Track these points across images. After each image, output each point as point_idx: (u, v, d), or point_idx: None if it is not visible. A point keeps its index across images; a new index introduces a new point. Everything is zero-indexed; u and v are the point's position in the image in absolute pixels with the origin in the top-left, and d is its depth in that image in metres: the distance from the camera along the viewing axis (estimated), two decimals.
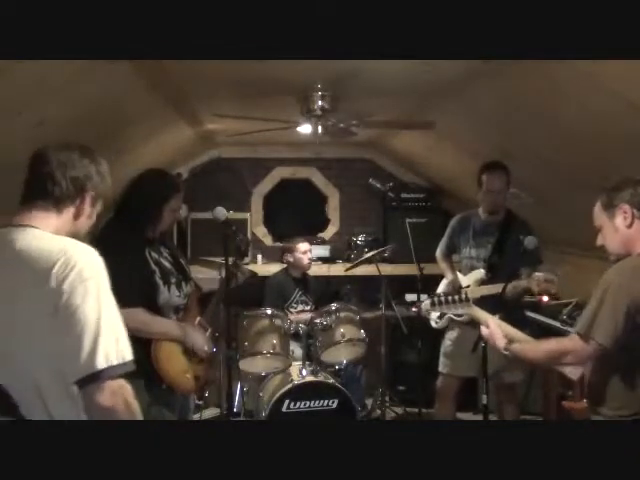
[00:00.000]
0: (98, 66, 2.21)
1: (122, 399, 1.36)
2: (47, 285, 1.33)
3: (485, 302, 3.20)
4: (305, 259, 4.52)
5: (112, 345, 1.35)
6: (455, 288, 3.58)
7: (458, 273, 3.65)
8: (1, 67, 1.83)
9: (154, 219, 2.53)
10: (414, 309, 2.70)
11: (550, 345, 2.13)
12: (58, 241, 1.42)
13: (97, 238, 2.59)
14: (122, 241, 2.45)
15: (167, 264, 2.58)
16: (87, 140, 3.04)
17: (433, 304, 2.51)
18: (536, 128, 3.04)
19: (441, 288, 3.77)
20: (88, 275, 1.35)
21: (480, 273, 3.42)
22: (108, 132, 3.18)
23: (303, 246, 4.53)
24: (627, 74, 2.06)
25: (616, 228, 1.97)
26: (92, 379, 1.32)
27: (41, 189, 1.51)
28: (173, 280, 2.56)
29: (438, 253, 3.82)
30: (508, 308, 3.10)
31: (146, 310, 2.40)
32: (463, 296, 2.46)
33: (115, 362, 1.34)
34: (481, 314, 2.47)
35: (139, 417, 1.42)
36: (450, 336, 3.58)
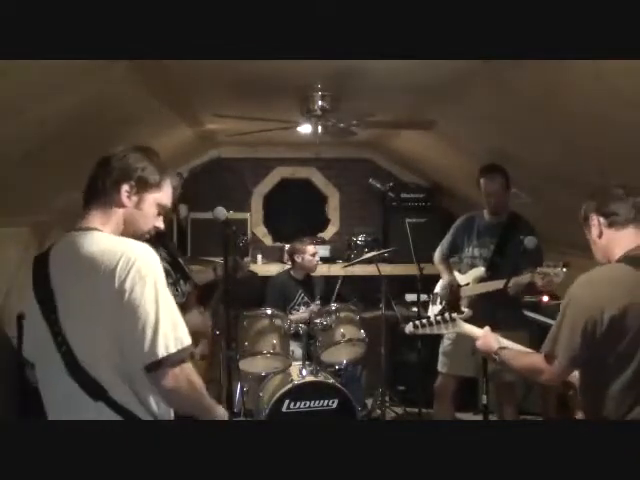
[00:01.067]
0: (98, 66, 2.21)
1: (185, 380, 1.49)
2: (112, 285, 1.44)
3: (486, 300, 3.21)
4: (314, 261, 4.53)
5: (170, 334, 1.47)
6: (453, 288, 3.59)
7: (457, 273, 3.66)
8: (1, 67, 1.83)
9: None
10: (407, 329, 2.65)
11: (529, 360, 2.06)
12: (117, 242, 1.54)
13: None
14: None
15: (164, 263, 2.58)
16: (87, 140, 3.06)
17: (416, 327, 2.46)
18: (536, 128, 3.04)
19: (438, 289, 3.78)
20: (145, 272, 1.47)
21: (480, 271, 3.43)
22: (108, 132, 3.18)
23: (312, 248, 4.54)
24: (627, 74, 2.06)
25: (593, 240, 1.96)
26: (155, 366, 1.45)
27: (91, 192, 1.62)
28: (170, 280, 2.56)
29: (437, 254, 3.83)
30: (508, 305, 3.11)
31: None
32: (447, 316, 2.40)
33: (173, 350, 1.46)
34: (471, 329, 2.41)
35: (204, 393, 1.57)
36: (449, 336, 3.59)
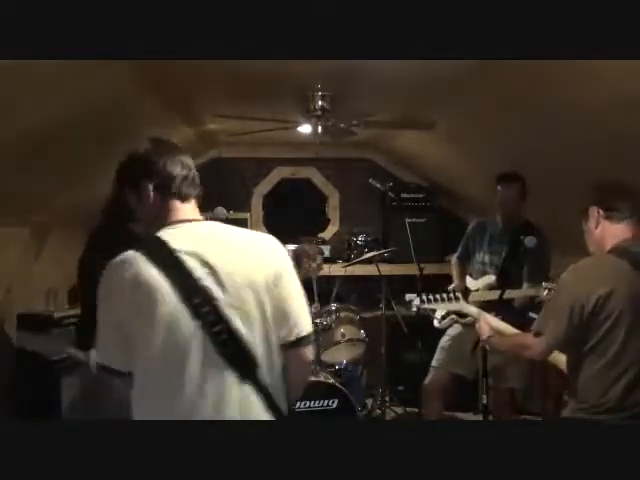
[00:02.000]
0: (98, 66, 2.21)
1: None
2: (268, 266, 1.55)
3: (493, 306, 3.20)
4: (319, 269, 4.50)
5: (309, 315, 1.62)
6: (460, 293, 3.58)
7: (469, 278, 3.64)
8: (1, 67, 1.83)
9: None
10: (414, 308, 2.90)
11: (515, 338, 2.25)
12: (255, 232, 1.66)
13: (91, 236, 2.60)
14: (116, 240, 2.44)
15: None
16: (87, 140, 3.06)
17: (422, 301, 2.66)
18: (536, 128, 3.04)
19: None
20: (284, 256, 1.61)
21: (490, 278, 3.42)
22: (108, 132, 3.18)
23: (320, 257, 4.50)
24: (627, 74, 2.06)
25: (589, 229, 2.09)
26: (303, 341, 1.58)
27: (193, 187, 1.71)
28: None
29: (454, 258, 3.80)
30: (515, 311, 3.13)
31: None
32: (452, 294, 2.58)
33: (311, 329, 1.62)
34: (471, 309, 2.59)
35: None
36: (451, 332, 3.59)
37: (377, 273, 4.39)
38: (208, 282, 1.47)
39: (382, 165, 5.78)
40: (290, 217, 5.84)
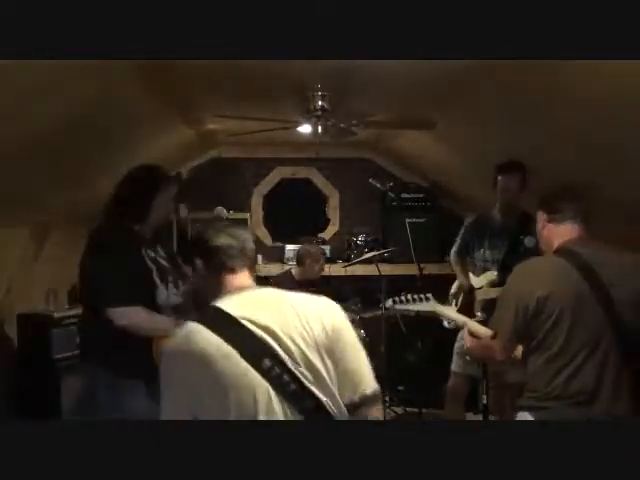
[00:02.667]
0: (98, 66, 2.21)
1: None
2: (326, 326, 1.55)
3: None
4: (321, 271, 4.48)
5: (372, 372, 1.61)
6: (465, 291, 3.58)
7: (471, 275, 3.64)
8: (1, 67, 1.83)
9: (141, 215, 2.51)
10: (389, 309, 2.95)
11: (482, 344, 2.31)
12: (304, 294, 1.65)
13: (91, 236, 2.60)
14: (117, 240, 2.45)
15: (164, 262, 2.58)
16: (87, 140, 3.06)
17: (394, 302, 2.69)
18: (536, 128, 3.04)
19: (453, 290, 3.77)
20: (341, 312, 1.62)
21: (492, 275, 3.41)
22: (108, 132, 3.18)
23: (323, 258, 4.50)
24: (627, 74, 2.06)
25: (538, 230, 2.26)
26: (370, 400, 1.57)
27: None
28: (171, 279, 2.56)
29: (452, 255, 3.79)
30: None
31: (145, 308, 2.40)
32: (422, 295, 2.60)
33: (377, 385, 1.60)
34: (446, 312, 2.65)
35: None
36: (463, 335, 3.59)
37: (377, 273, 4.39)
38: (273, 345, 1.47)
39: (382, 165, 5.78)
40: (290, 217, 5.83)
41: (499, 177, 3.36)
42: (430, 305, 2.61)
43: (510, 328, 2.08)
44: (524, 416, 2.10)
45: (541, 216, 2.22)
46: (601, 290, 1.97)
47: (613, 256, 2.07)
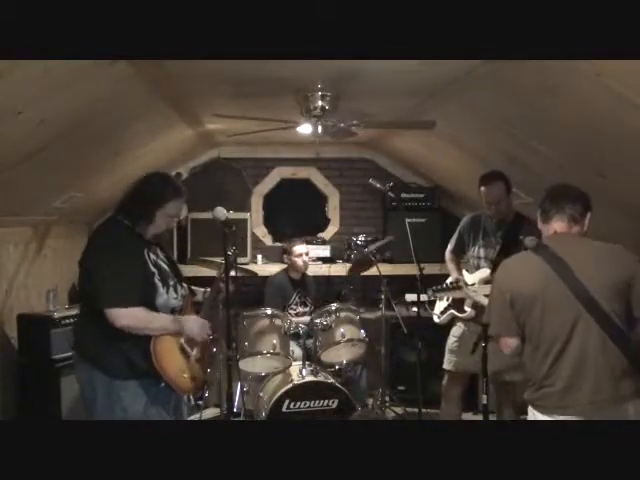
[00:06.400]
0: (98, 66, 2.21)
1: None
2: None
3: None
4: (300, 261, 4.53)
5: None
6: (458, 287, 3.59)
7: (465, 272, 3.65)
8: (1, 67, 1.83)
9: (146, 220, 2.51)
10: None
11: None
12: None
13: (95, 233, 2.60)
14: (121, 240, 2.45)
15: (165, 266, 2.59)
16: (87, 140, 3.06)
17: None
18: (536, 128, 3.04)
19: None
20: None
21: (485, 272, 3.43)
22: (108, 132, 3.18)
23: (299, 249, 4.54)
24: (627, 74, 2.06)
25: (539, 228, 2.41)
26: None
27: None
28: (171, 282, 2.56)
29: (447, 252, 3.83)
30: None
31: (146, 309, 2.40)
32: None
33: None
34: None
35: None
36: (455, 332, 3.59)
37: (377, 273, 4.39)
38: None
39: (382, 165, 5.78)
40: (290, 217, 5.83)
41: (482, 189, 3.44)
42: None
43: (499, 320, 2.26)
44: (530, 411, 2.18)
45: (538, 215, 2.37)
46: (571, 278, 2.09)
47: (584, 245, 2.21)
